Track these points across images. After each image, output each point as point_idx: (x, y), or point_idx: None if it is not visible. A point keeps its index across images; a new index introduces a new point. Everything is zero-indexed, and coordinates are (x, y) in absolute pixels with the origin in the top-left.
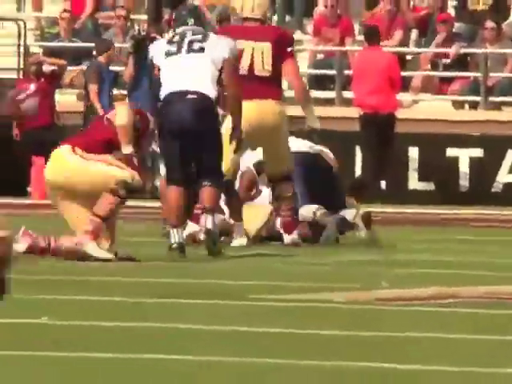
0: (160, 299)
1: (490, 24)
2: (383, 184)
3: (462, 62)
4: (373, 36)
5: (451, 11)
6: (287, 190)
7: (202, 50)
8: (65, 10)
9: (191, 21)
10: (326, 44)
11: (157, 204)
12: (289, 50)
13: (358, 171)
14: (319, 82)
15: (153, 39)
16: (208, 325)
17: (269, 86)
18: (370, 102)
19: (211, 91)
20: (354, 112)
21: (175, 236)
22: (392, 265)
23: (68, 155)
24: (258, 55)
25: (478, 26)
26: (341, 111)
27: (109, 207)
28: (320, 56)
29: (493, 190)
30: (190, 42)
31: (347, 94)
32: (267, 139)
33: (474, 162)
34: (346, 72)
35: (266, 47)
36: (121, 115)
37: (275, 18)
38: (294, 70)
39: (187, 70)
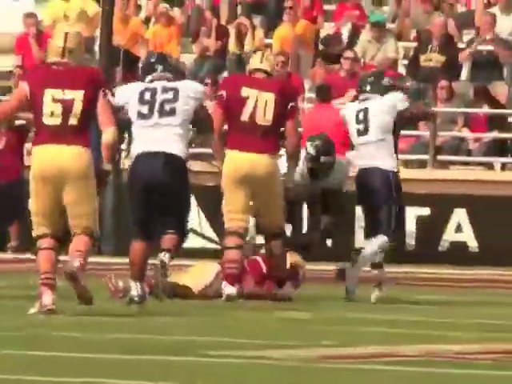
0: (110, 355)
1: (442, 83)
2: (329, 242)
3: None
4: (324, 93)
5: (401, 69)
6: (278, 247)
7: (173, 112)
8: (17, 66)
9: (160, 67)
10: None
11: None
12: (291, 105)
13: (305, 228)
14: None
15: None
16: (156, 381)
17: (267, 138)
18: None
19: (181, 151)
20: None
21: (136, 289)
22: (334, 323)
23: None
24: (262, 104)
25: (430, 83)
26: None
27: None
28: None
29: (440, 248)
30: (162, 104)
31: None
32: (259, 193)
33: (420, 220)
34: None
35: (269, 97)
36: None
37: (225, 74)
38: (292, 127)
39: (159, 133)
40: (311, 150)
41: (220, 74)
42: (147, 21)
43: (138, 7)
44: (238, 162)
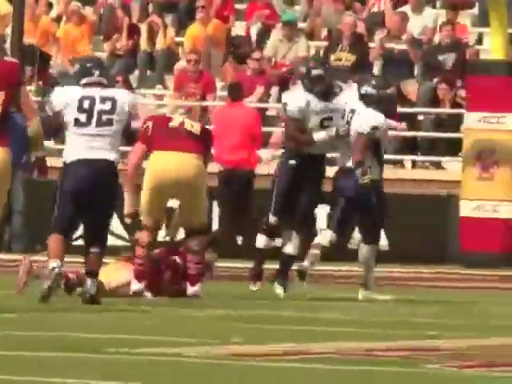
0: (12, 352)
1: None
2: (240, 240)
3: None
4: (236, 92)
5: None
6: (199, 244)
7: (110, 123)
8: None
9: (97, 72)
10: (188, 99)
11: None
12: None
13: (215, 226)
14: None
15: None
16: (63, 378)
17: (195, 141)
18: (231, 157)
19: (115, 159)
20: (214, 167)
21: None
22: (246, 320)
23: None
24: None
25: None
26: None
27: None
28: (181, 111)
29: (350, 246)
30: (99, 114)
31: None
32: (185, 191)
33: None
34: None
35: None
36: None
37: (136, 73)
38: None
39: (95, 141)
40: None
41: (131, 73)
42: (58, 19)
43: (50, 5)
44: (163, 161)
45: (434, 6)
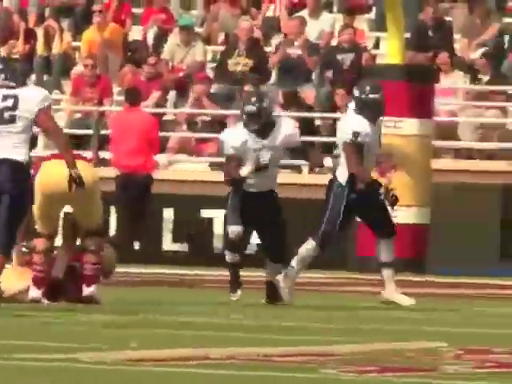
0: None
1: (248, 86)
2: (137, 245)
3: (219, 123)
4: (133, 97)
5: (210, 72)
6: (95, 244)
7: (12, 120)
8: None
9: (2, 76)
10: (85, 104)
11: None
12: None
13: (113, 231)
14: (76, 142)
15: None
16: None
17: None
18: (128, 162)
19: (22, 157)
20: (111, 172)
21: None
22: (141, 325)
23: None
24: None
25: (237, 87)
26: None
27: None
28: (78, 115)
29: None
30: (1, 112)
31: (104, 154)
32: (76, 198)
33: None
34: (104, 132)
35: None
36: None
37: (33, 77)
38: None
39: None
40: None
41: (27, 77)
42: None
43: None
44: (53, 169)
45: (331, 11)
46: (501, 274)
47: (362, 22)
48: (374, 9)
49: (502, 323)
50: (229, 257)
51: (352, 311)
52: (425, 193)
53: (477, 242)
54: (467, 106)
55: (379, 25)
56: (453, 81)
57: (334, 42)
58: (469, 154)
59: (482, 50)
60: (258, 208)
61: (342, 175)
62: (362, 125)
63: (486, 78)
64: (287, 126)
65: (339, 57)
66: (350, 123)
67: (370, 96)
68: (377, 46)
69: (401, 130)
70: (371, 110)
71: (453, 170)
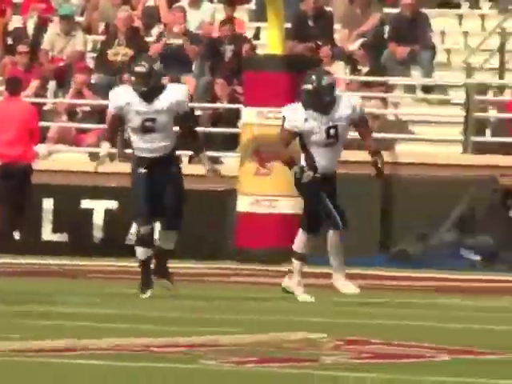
0: None
1: (127, 76)
2: (17, 235)
3: (99, 114)
4: (13, 86)
5: (90, 62)
6: None
7: None
8: None
9: None
10: None
11: None
12: None
13: None
14: None
15: None
16: None
17: None
18: (9, 152)
19: None
20: None
21: None
22: (25, 316)
23: None
24: None
25: (116, 76)
26: None
27: None
28: None
29: (126, 242)
30: None
31: None
32: None
33: (108, 213)
34: None
35: None
36: None
37: None
38: None
39: None
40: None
41: None
42: None
43: None
44: None
45: (211, 1)
46: (381, 264)
47: (242, 13)
48: None
49: (381, 314)
50: (141, 253)
51: (232, 302)
52: None
53: (358, 232)
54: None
55: (259, 15)
56: (333, 71)
57: (214, 32)
58: (349, 143)
59: (361, 40)
60: (159, 171)
61: (301, 159)
62: (295, 112)
63: (365, 69)
64: (177, 92)
65: (218, 53)
66: (291, 112)
67: (310, 86)
68: (257, 36)
69: (281, 120)
70: (313, 99)
71: None
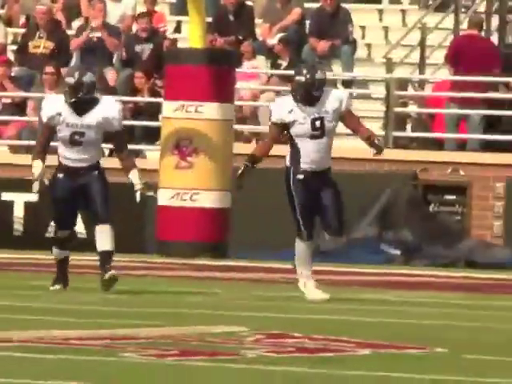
0: None
1: (49, 69)
2: None
3: (19, 106)
4: None
5: (10, 55)
6: None
7: None
8: None
9: None
10: None
11: None
12: None
13: None
14: None
15: None
16: None
17: None
18: None
19: None
20: None
21: None
22: None
23: None
24: None
25: (38, 70)
26: None
27: None
28: None
29: (46, 234)
30: None
31: None
32: None
33: (28, 206)
34: None
35: None
36: None
37: None
38: None
39: None
40: None
41: None
42: None
43: None
44: None
45: None
46: None
47: (163, 6)
48: None
49: (302, 308)
50: (56, 253)
51: (153, 295)
52: (226, 177)
53: (277, 226)
54: (268, 90)
55: (181, 9)
56: (254, 65)
57: (135, 26)
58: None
59: (280, 35)
60: (83, 180)
61: (287, 158)
62: (281, 104)
63: (285, 63)
64: (109, 110)
65: (138, 48)
66: (276, 106)
67: (297, 78)
68: (178, 30)
69: (202, 114)
70: (299, 92)
71: None
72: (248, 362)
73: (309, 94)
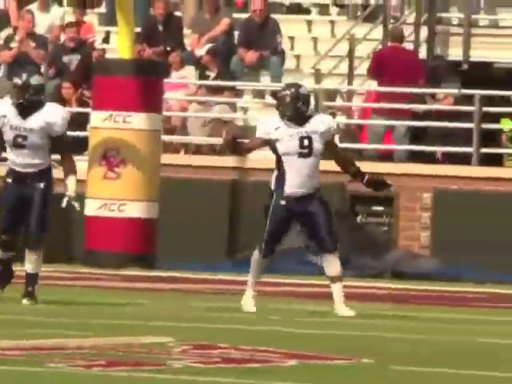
0: None
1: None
2: None
3: None
4: None
5: None
6: None
7: None
8: None
9: None
10: None
11: None
12: None
13: None
14: None
15: None
16: None
17: None
18: None
19: None
20: None
21: None
22: None
23: None
24: None
25: None
26: None
27: None
28: None
29: None
30: None
31: None
32: None
33: None
34: None
35: None
36: None
37: None
38: None
39: None
40: None
41: None
42: None
43: None
44: None
45: (60, 4)
46: (228, 270)
47: (92, 17)
48: (104, 3)
49: (229, 319)
50: (1, 254)
51: (80, 305)
52: (154, 187)
53: (205, 237)
54: (196, 101)
55: (109, 19)
56: (183, 76)
57: (63, 37)
58: (198, 148)
59: (208, 46)
60: (27, 185)
61: (272, 182)
62: (268, 120)
63: (213, 74)
64: (52, 114)
65: (65, 58)
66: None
67: (282, 93)
68: (107, 40)
69: (130, 124)
70: (284, 107)
71: (182, 165)
72: (174, 373)
73: (296, 109)
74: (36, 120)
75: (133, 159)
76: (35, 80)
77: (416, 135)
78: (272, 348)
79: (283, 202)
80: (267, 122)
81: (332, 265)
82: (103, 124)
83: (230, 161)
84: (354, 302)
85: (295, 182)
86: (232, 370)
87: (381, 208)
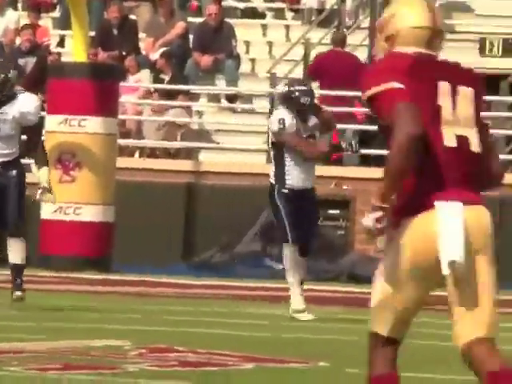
0: None
1: None
2: None
3: None
4: None
5: None
6: None
7: None
8: None
9: None
10: None
11: None
12: None
13: None
14: None
15: None
16: None
17: None
18: None
19: None
20: None
21: None
22: None
23: None
24: None
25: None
26: None
27: None
28: None
29: None
30: None
31: None
32: None
33: None
34: None
35: None
36: None
37: None
38: None
39: None
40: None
41: None
42: None
43: None
44: None
45: (15, 8)
46: (184, 273)
47: (46, 20)
48: (58, 7)
49: (185, 322)
50: None
51: (35, 309)
52: (109, 191)
53: (161, 240)
54: (152, 104)
55: (64, 23)
56: (138, 79)
57: (18, 40)
58: (153, 152)
59: (162, 49)
60: (2, 180)
61: (272, 175)
62: (283, 113)
63: (168, 78)
64: (26, 104)
65: (21, 61)
66: (272, 118)
67: (291, 89)
68: (62, 44)
69: (85, 128)
70: (294, 104)
71: (138, 169)
72: (130, 376)
73: (298, 103)
74: (9, 110)
75: (88, 163)
76: (13, 74)
77: (362, 140)
78: (229, 351)
79: (286, 191)
80: (282, 113)
81: None
82: (58, 128)
83: (185, 164)
84: (310, 305)
85: (299, 177)
86: (189, 373)
87: (337, 211)
